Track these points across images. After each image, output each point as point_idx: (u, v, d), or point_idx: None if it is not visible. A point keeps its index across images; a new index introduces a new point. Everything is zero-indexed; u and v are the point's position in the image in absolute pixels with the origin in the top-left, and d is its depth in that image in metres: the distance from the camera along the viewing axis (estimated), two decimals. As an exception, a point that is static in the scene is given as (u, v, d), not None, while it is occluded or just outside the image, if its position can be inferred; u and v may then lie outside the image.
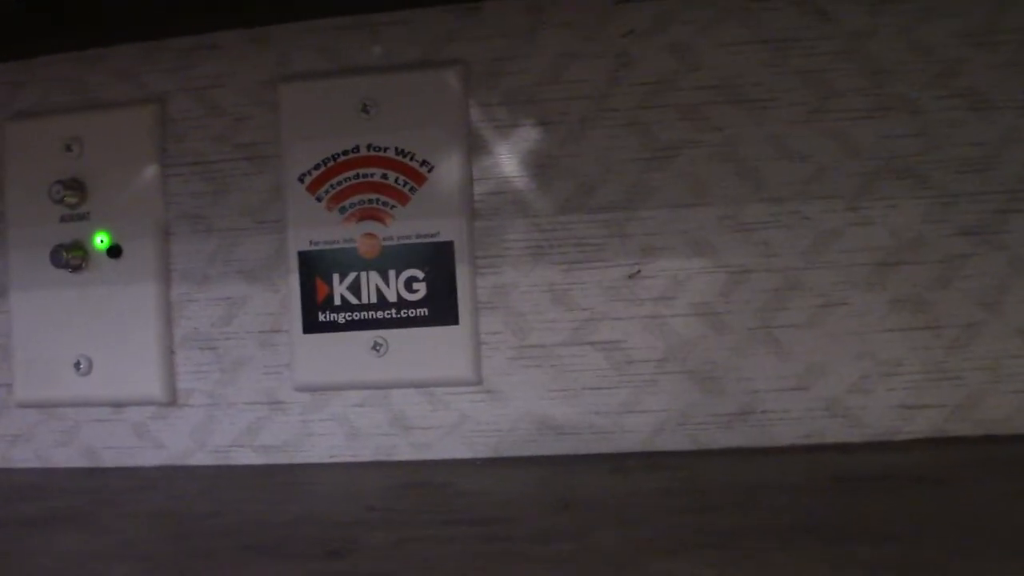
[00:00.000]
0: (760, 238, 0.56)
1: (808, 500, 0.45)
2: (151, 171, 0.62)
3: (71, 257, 0.61)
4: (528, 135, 0.58)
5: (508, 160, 0.59)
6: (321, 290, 0.59)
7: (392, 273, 0.58)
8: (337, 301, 0.59)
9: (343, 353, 0.59)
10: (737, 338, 0.57)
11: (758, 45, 0.57)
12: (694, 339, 0.57)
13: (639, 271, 0.57)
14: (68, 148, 0.62)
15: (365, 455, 0.60)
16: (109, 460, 0.63)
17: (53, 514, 0.50)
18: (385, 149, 0.58)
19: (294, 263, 0.60)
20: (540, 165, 0.58)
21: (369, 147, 0.59)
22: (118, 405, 0.63)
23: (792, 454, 0.55)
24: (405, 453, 0.60)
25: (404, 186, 0.58)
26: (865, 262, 0.56)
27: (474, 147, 0.59)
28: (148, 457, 0.63)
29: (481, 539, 0.41)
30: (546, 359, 0.58)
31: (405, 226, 0.58)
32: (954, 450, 0.54)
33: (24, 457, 0.64)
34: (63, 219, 0.62)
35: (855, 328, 0.56)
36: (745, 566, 0.35)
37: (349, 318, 0.59)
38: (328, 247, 0.59)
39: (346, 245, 0.59)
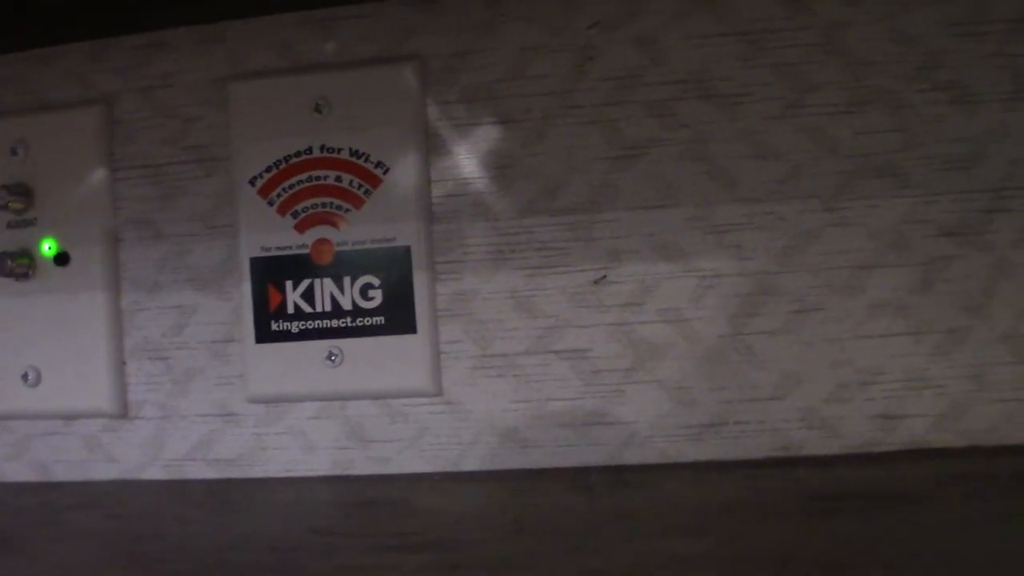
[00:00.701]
0: (732, 240, 0.54)
1: (779, 523, 0.42)
2: (99, 175, 0.59)
3: (16, 265, 0.58)
4: (488, 134, 0.56)
5: (467, 160, 0.56)
6: (274, 298, 0.57)
7: (347, 280, 0.56)
8: (291, 309, 0.56)
9: (297, 363, 0.57)
10: (708, 346, 0.54)
11: (729, 37, 0.54)
12: (663, 347, 0.54)
13: (605, 276, 0.55)
14: (13, 152, 0.60)
15: (322, 469, 0.57)
16: (61, 474, 0.61)
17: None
18: (339, 150, 0.56)
19: (246, 270, 0.57)
20: (501, 166, 0.56)
21: (322, 148, 0.56)
22: (68, 418, 0.60)
23: (766, 468, 0.52)
24: (363, 467, 0.57)
25: (359, 189, 0.56)
26: (843, 265, 0.53)
27: (432, 147, 0.56)
28: (100, 471, 0.60)
29: (425, 569, 0.38)
30: (508, 369, 0.56)
31: (360, 231, 0.56)
32: (937, 463, 0.51)
33: (-27, 471, 0.62)
34: (9, 225, 0.60)
35: (832, 335, 0.53)
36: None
37: (303, 327, 0.56)
38: (281, 253, 0.57)
39: (299, 251, 0.56)
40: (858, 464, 0.51)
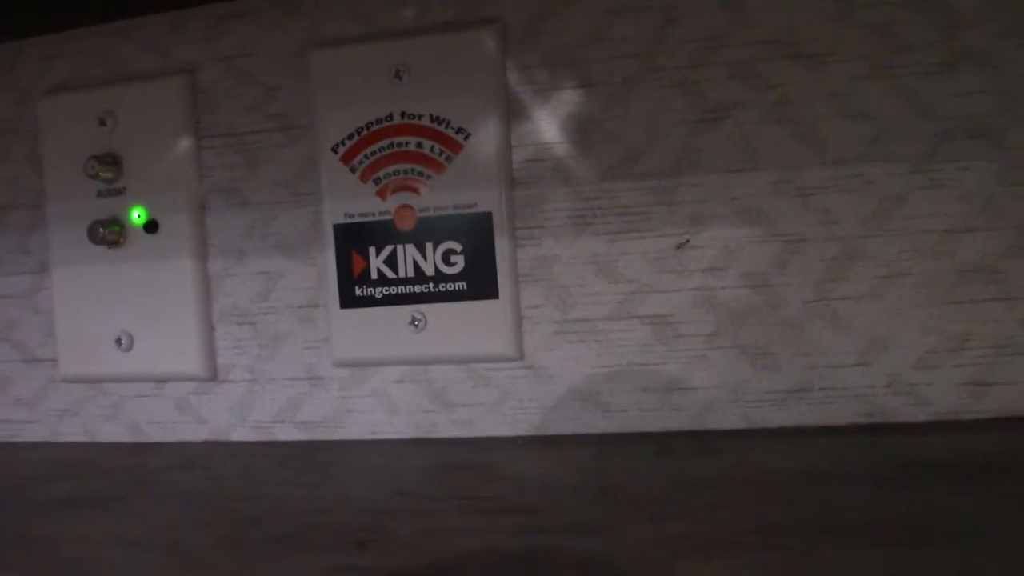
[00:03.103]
0: (818, 204, 0.53)
1: (867, 491, 0.42)
2: (185, 144, 0.60)
3: (108, 233, 0.60)
4: (569, 98, 0.55)
5: (548, 125, 0.56)
6: (357, 264, 0.57)
7: (429, 246, 0.56)
8: (374, 275, 0.57)
9: (381, 328, 0.57)
10: (793, 311, 0.53)
11: (817, -5, 0.52)
12: (746, 312, 0.54)
13: (688, 241, 0.54)
14: (102, 122, 0.61)
15: (405, 432, 0.59)
16: (154, 435, 0.63)
17: (87, 496, 0.50)
18: (419, 117, 0.56)
19: (330, 237, 0.58)
20: (582, 130, 0.55)
21: (403, 115, 0.56)
22: (160, 381, 0.62)
23: (851, 435, 0.52)
24: (446, 430, 0.58)
25: (440, 155, 0.56)
26: (933, 229, 0.52)
27: (512, 112, 0.56)
28: (191, 432, 0.62)
29: (510, 532, 0.39)
30: (590, 334, 0.56)
31: (441, 197, 0.56)
32: (1028, 431, 0.50)
33: (72, 431, 0.65)
34: (100, 194, 0.61)
35: (921, 300, 0.52)
36: (791, 573, 0.33)
37: (386, 292, 0.57)
38: (363, 219, 0.57)
39: (382, 217, 0.57)
40: (946, 432, 0.51)
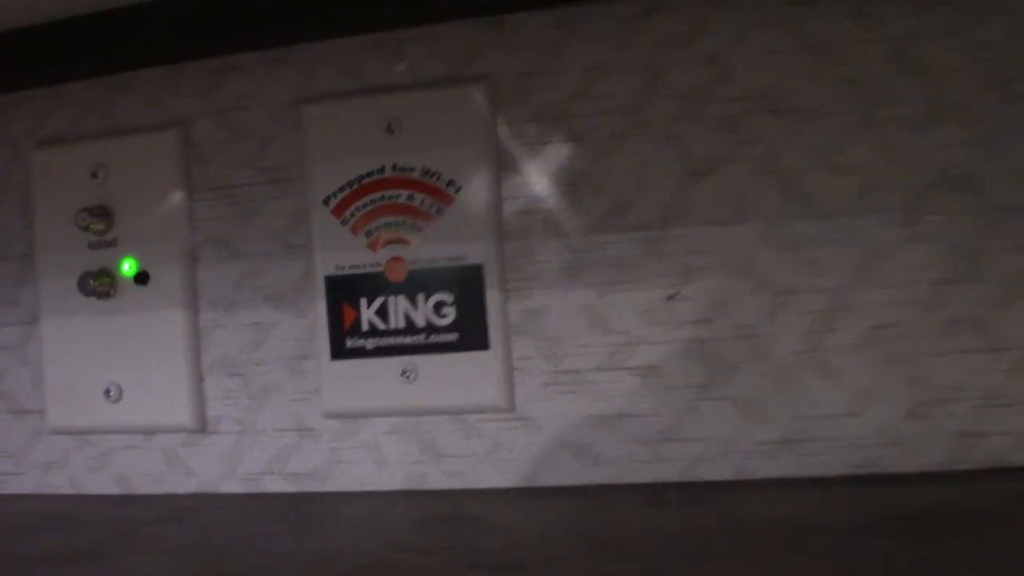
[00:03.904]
0: (806, 256, 0.53)
1: (858, 542, 0.42)
2: (177, 196, 0.61)
3: (98, 285, 0.60)
4: (559, 152, 0.56)
5: (538, 178, 0.56)
6: (348, 315, 0.58)
7: (420, 297, 0.57)
8: (365, 327, 0.57)
9: (372, 379, 0.57)
10: (783, 362, 0.54)
11: (798, 53, 0.53)
12: (737, 363, 0.54)
13: (678, 293, 0.55)
14: (94, 175, 0.61)
15: (395, 483, 0.58)
16: (141, 487, 0.62)
17: (73, 549, 0.49)
18: (411, 169, 0.57)
19: (321, 288, 0.58)
20: (572, 183, 0.56)
21: (394, 167, 0.57)
22: (148, 432, 0.62)
23: (842, 485, 0.52)
24: (437, 482, 0.58)
25: (431, 208, 0.56)
26: (920, 280, 0.52)
27: (503, 166, 0.57)
28: (179, 484, 0.62)
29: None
30: (581, 385, 0.56)
31: (433, 249, 0.56)
32: (1019, 482, 0.50)
33: (59, 483, 0.64)
34: (91, 246, 0.61)
35: (909, 351, 0.52)
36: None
37: (377, 344, 0.57)
38: (355, 271, 0.57)
39: (373, 269, 0.57)
40: (937, 482, 0.51)
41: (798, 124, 0.53)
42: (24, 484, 0.65)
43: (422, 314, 0.57)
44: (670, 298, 0.55)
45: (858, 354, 0.53)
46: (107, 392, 0.61)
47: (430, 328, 0.56)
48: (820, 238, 0.53)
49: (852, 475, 0.53)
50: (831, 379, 0.53)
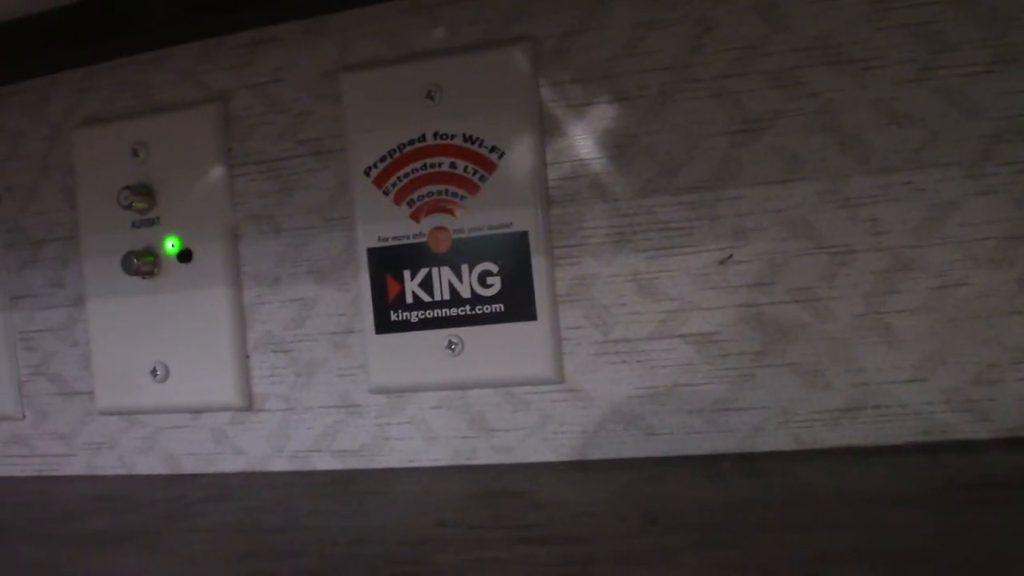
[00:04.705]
0: (867, 214, 0.51)
1: (929, 516, 0.39)
2: (217, 172, 0.60)
3: (142, 264, 0.60)
4: (604, 113, 0.54)
5: (584, 141, 0.54)
6: (392, 288, 0.56)
7: (465, 268, 0.55)
8: (409, 299, 0.56)
9: (417, 353, 0.56)
10: (843, 326, 0.51)
11: (857, -1, 0.51)
12: (795, 328, 0.52)
13: (731, 256, 0.52)
14: (134, 153, 0.61)
15: (444, 459, 0.57)
16: (190, 466, 0.62)
17: (122, 529, 0.49)
18: (452, 136, 0.55)
19: (364, 261, 0.57)
20: (619, 145, 0.54)
21: (436, 135, 0.55)
22: (196, 411, 0.62)
23: (909, 454, 0.49)
24: (486, 457, 0.56)
25: (474, 175, 0.55)
26: (989, 236, 0.50)
27: (547, 129, 0.55)
28: (227, 463, 0.61)
29: (555, 562, 0.37)
30: (632, 354, 0.54)
31: (476, 217, 0.55)
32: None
33: (109, 464, 0.64)
34: (134, 225, 0.61)
35: (979, 311, 0.50)
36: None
37: (422, 316, 0.56)
38: (397, 243, 0.56)
39: (416, 240, 0.56)
40: (1010, 449, 0.48)
41: (856, 75, 0.51)
42: (75, 465, 0.65)
43: (467, 285, 0.55)
44: (723, 262, 0.53)
45: (923, 316, 0.50)
46: (154, 372, 0.61)
47: (475, 299, 0.55)
48: (880, 194, 0.50)
49: (919, 443, 0.50)
50: (894, 343, 0.51)
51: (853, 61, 0.51)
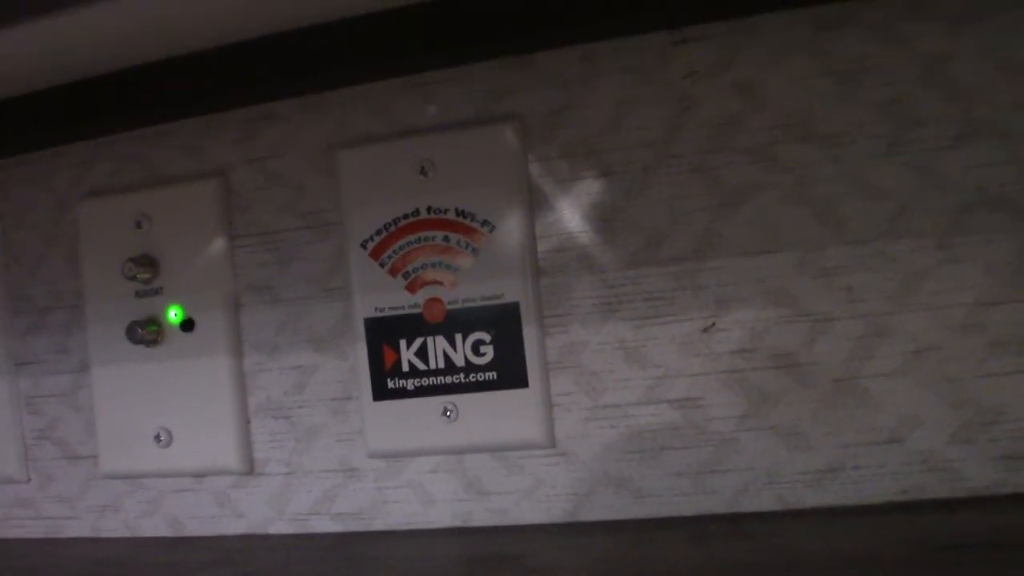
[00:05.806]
0: (843, 283, 0.53)
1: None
2: (219, 244, 0.62)
3: (146, 332, 0.61)
4: (590, 187, 0.56)
5: (571, 215, 0.57)
6: (389, 357, 0.58)
7: (459, 337, 0.57)
8: (405, 367, 0.58)
9: (414, 419, 0.58)
10: (823, 390, 0.53)
11: (827, 77, 0.53)
12: (776, 393, 0.54)
13: (714, 324, 0.55)
14: (138, 225, 0.63)
15: (441, 522, 0.59)
16: (193, 529, 0.64)
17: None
18: (445, 211, 0.57)
19: (361, 330, 0.59)
20: (605, 218, 0.56)
21: (429, 209, 0.58)
22: (198, 475, 0.63)
23: (888, 513, 0.51)
24: (481, 519, 0.58)
25: (466, 248, 0.57)
26: (960, 302, 0.52)
27: (535, 203, 0.57)
28: (229, 526, 0.63)
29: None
30: (621, 419, 0.56)
31: (469, 289, 0.57)
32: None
33: (113, 527, 0.66)
34: (137, 295, 0.63)
35: (952, 374, 0.52)
36: None
37: (418, 384, 0.58)
38: (394, 313, 0.58)
39: (411, 310, 0.58)
40: (984, 508, 0.50)
41: (828, 150, 0.53)
42: (80, 528, 0.67)
43: (461, 354, 0.57)
44: (706, 330, 0.55)
45: (899, 380, 0.52)
46: (157, 437, 0.63)
47: (469, 367, 0.57)
48: (855, 264, 0.53)
49: (898, 502, 0.52)
50: (872, 406, 0.53)
51: (826, 137, 0.53)
